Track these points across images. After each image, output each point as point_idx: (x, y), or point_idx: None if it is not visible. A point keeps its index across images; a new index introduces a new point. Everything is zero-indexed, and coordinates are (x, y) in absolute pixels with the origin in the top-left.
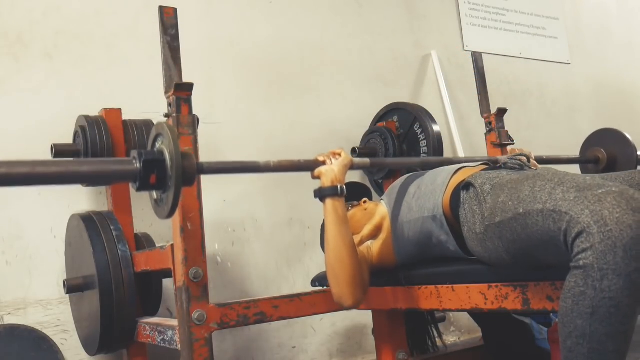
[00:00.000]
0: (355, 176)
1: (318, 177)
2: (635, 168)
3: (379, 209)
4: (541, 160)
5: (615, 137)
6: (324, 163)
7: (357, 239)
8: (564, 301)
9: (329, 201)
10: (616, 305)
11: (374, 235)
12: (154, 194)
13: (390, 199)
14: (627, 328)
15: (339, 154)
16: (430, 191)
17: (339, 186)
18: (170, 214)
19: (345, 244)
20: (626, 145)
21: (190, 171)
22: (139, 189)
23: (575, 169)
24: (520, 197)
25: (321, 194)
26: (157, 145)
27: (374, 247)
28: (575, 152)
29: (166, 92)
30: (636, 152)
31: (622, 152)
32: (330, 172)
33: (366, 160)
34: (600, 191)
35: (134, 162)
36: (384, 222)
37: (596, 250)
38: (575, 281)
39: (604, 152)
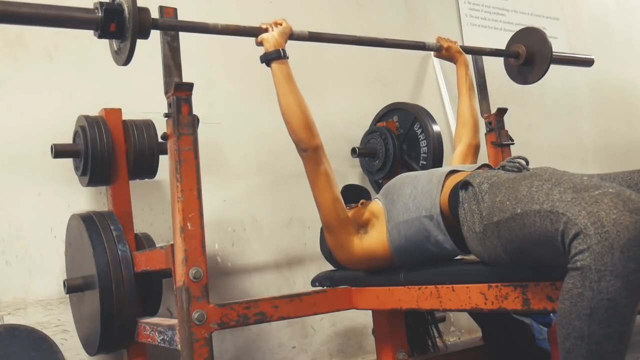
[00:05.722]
0: (355, 176)
1: (261, 44)
2: (549, 64)
3: (373, 205)
4: (466, 50)
5: (535, 35)
6: (266, 30)
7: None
8: (562, 302)
9: (274, 64)
10: (614, 306)
11: (367, 220)
12: (114, 45)
13: (387, 199)
14: (626, 329)
15: (280, 23)
16: (426, 191)
17: (280, 50)
18: (126, 62)
19: (294, 96)
20: (544, 42)
21: (146, 23)
22: (100, 36)
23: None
24: (518, 197)
25: (266, 58)
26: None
27: (364, 240)
28: (575, 152)
29: (166, 92)
30: (551, 50)
31: (539, 49)
32: (272, 38)
33: (305, 32)
34: (597, 192)
35: (96, 11)
36: (379, 216)
37: (593, 251)
38: (573, 282)
39: (524, 48)
